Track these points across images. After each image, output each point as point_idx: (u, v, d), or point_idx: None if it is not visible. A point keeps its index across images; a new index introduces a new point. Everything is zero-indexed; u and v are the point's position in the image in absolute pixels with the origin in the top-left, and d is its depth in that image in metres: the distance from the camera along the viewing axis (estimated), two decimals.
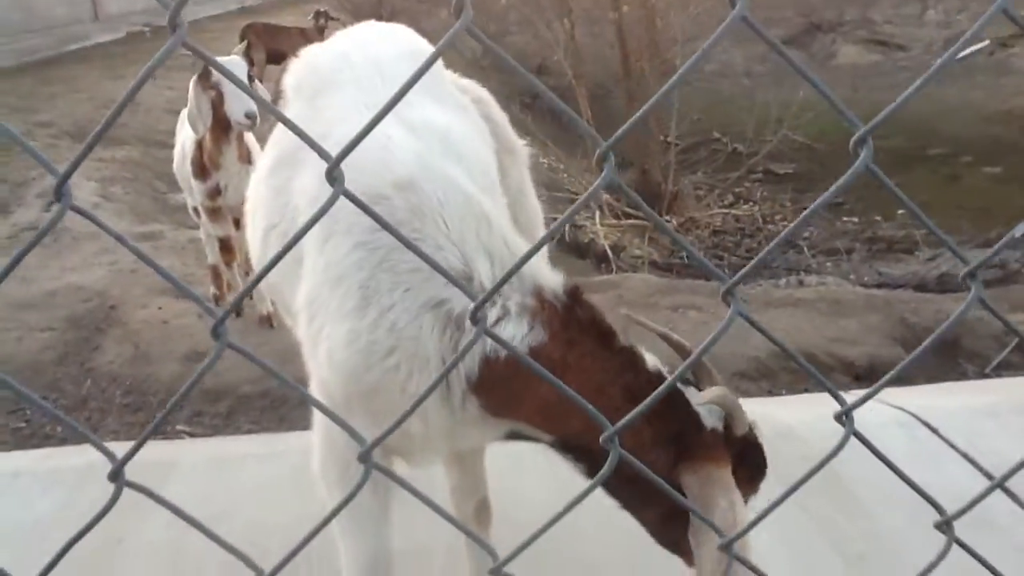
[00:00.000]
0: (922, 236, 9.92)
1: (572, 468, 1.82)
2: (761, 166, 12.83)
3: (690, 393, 1.76)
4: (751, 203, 12.30)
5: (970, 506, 1.03)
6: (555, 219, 8.79)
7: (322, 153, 0.90)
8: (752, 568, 1.27)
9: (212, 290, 5.85)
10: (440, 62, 2.41)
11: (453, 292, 1.70)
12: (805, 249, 10.33)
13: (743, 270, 1.01)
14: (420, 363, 1.72)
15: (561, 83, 12.85)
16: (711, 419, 1.74)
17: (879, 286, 7.75)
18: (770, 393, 4.31)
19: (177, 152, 5.67)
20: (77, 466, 3.38)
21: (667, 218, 11.26)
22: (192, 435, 4.45)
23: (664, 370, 1.76)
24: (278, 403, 4.68)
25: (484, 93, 2.61)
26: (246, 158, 5.16)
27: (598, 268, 9.60)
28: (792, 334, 4.88)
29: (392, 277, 1.73)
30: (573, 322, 1.72)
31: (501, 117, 2.64)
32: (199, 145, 5.24)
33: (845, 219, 11.46)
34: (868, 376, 4.54)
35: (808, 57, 18.64)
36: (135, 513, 3.04)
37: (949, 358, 4.79)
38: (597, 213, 10.76)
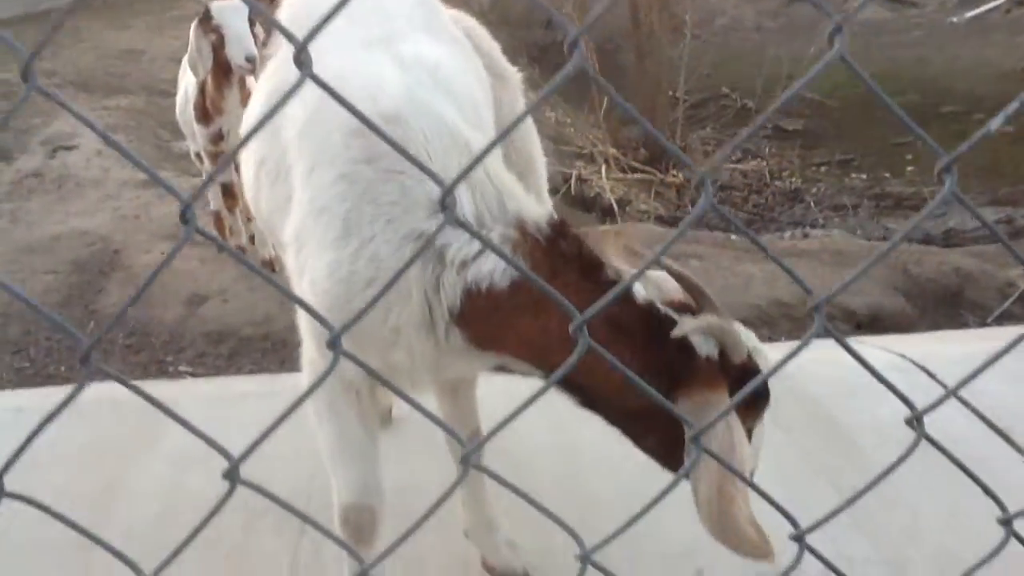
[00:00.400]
0: (930, 193, 9.86)
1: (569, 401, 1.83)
2: (770, 122, 12.73)
3: (683, 322, 1.75)
4: (759, 159, 12.21)
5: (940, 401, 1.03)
6: (561, 173, 8.73)
7: (290, 37, 0.89)
8: (751, 485, 1.28)
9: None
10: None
11: (436, 224, 1.68)
12: (812, 204, 10.27)
13: (719, 154, 0.99)
14: (401, 295, 1.72)
15: None
16: (706, 347, 1.71)
17: (885, 240, 7.73)
18: (770, 340, 4.31)
19: (180, 98, 5.66)
20: (78, 401, 3.41)
21: (674, 173, 11.19)
22: (195, 375, 4.49)
23: (659, 304, 1.75)
24: (279, 345, 4.71)
25: (472, 22, 2.59)
26: (248, 102, 5.13)
27: (603, 222, 9.57)
28: (793, 283, 4.85)
29: (374, 209, 1.72)
30: (556, 254, 1.70)
31: (491, 46, 2.61)
32: (201, 90, 5.23)
33: (853, 175, 11.38)
34: (870, 325, 4.55)
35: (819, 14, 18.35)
36: (134, 456, 3.09)
37: (951, 309, 4.78)
38: (603, 167, 10.71)
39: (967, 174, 10.49)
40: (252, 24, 4.94)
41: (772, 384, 2.98)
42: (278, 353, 4.68)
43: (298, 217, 1.85)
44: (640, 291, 1.74)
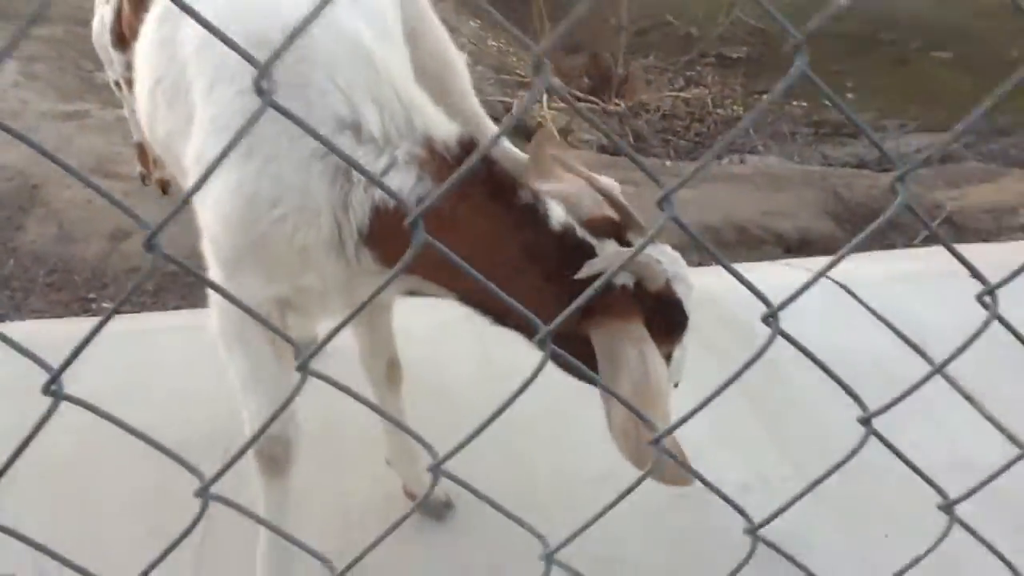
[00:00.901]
0: (868, 120, 9.93)
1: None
2: (713, 50, 12.66)
3: (602, 249, 1.72)
4: (702, 87, 12.16)
5: (892, 404, 1.02)
6: (503, 103, 8.59)
7: (250, 59, 0.82)
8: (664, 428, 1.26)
9: (139, 168, 5.68)
10: None
11: (343, 140, 1.62)
12: (751, 131, 10.28)
13: (681, 180, 0.94)
14: (309, 215, 1.67)
15: None
16: (621, 277, 1.70)
17: (821, 167, 7.78)
18: (699, 264, 4.32)
19: (96, 23, 5.42)
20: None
21: (616, 102, 11.11)
22: (119, 313, 4.38)
23: (576, 227, 1.71)
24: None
25: None
26: None
27: None
28: (727, 208, 4.87)
29: (276, 127, 1.63)
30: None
31: None
32: (118, 14, 5.01)
33: (793, 103, 11.42)
34: (799, 248, 4.58)
35: None
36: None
37: (879, 231, 4.83)
38: (544, 96, 10.59)
39: (906, 101, 10.58)
40: None
41: (703, 311, 2.98)
42: (204, 288, 4.58)
43: (199, 137, 1.77)
44: (558, 215, 1.70)
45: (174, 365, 3.18)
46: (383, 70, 1.70)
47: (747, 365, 0.96)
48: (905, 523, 2.45)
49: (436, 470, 1.02)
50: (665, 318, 1.74)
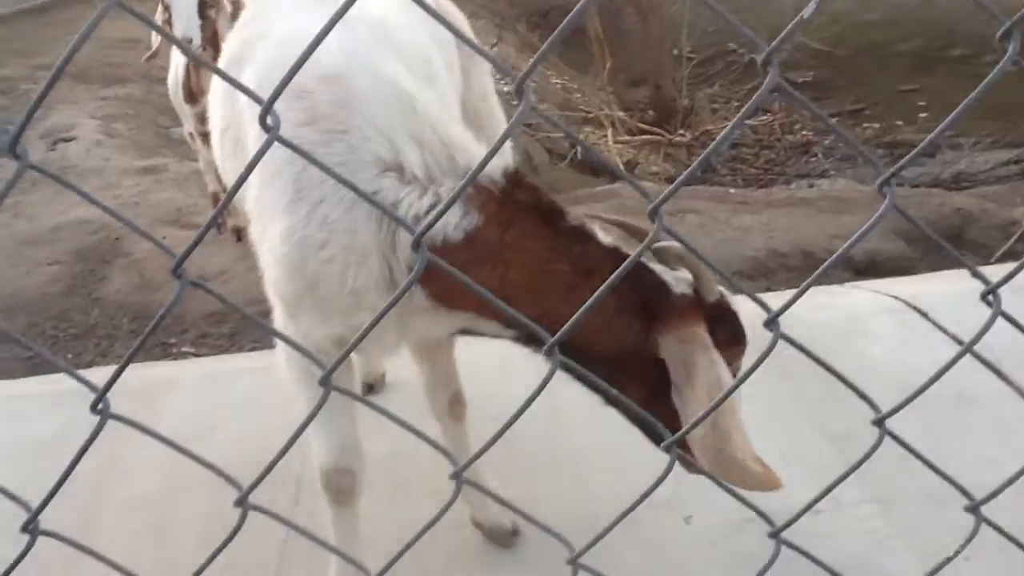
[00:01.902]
0: (945, 140, 9.70)
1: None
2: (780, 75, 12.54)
3: (654, 265, 1.74)
4: (769, 114, 12.07)
5: (905, 403, 1.03)
6: (568, 139, 8.64)
7: (254, 97, 0.88)
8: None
9: None
10: None
11: (385, 182, 1.67)
12: (821, 156, 10.15)
13: (667, 193, 0.98)
14: (357, 256, 1.71)
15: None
16: (679, 287, 1.73)
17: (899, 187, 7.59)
18: (768, 290, 4.28)
19: (171, 79, 5.66)
20: (78, 389, 3.44)
21: (682, 132, 11.09)
22: (197, 355, 4.52)
23: (622, 246, 1.74)
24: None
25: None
26: None
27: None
28: (793, 233, 4.82)
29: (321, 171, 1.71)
30: (510, 204, 1.69)
31: (460, 18, 2.59)
32: (188, 70, 5.23)
33: (865, 125, 11.23)
34: (868, 271, 4.50)
35: None
36: (133, 432, 3.10)
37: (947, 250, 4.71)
38: (610, 130, 10.63)
39: (982, 116, 10.32)
40: (203, 5, 4.94)
41: (766, 332, 2.96)
42: None
43: (255, 184, 1.84)
44: (603, 235, 1.74)
45: (248, 404, 3.27)
46: (423, 111, 1.74)
47: (755, 366, 0.97)
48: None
49: (459, 478, 1.05)
50: (725, 329, 1.76)
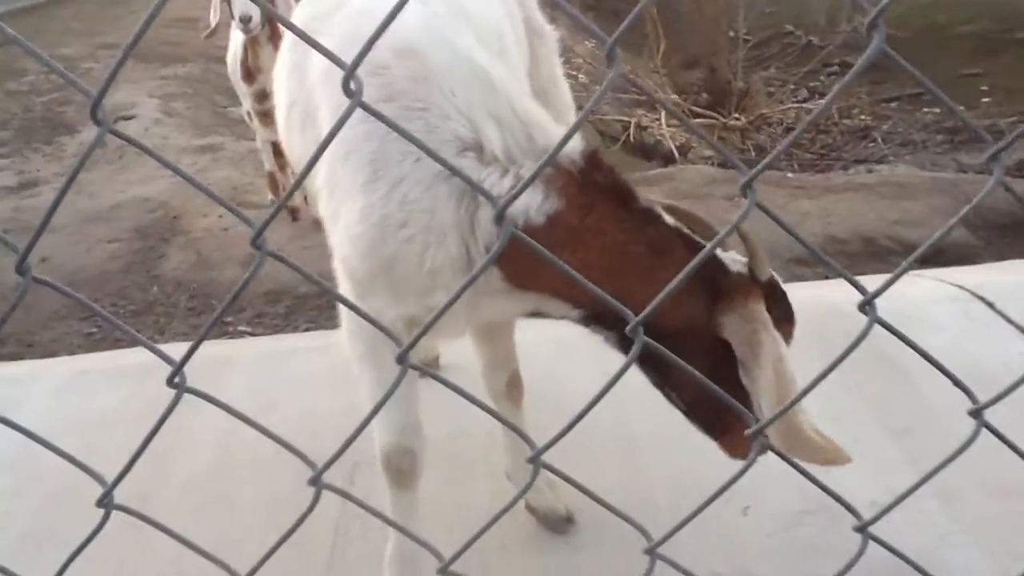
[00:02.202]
0: (1007, 125, 9.43)
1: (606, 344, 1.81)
2: (836, 58, 12.29)
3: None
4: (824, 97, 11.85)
5: (1004, 394, 0.99)
6: (620, 121, 8.58)
7: (337, 61, 0.86)
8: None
9: (270, 196, 5.94)
10: None
11: (466, 161, 1.65)
12: (880, 141, 9.93)
13: (762, 164, 0.95)
14: (436, 236, 1.70)
15: None
16: (736, 266, 1.74)
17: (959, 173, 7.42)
18: (825, 278, 4.21)
19: (230, 58, 5.69)
20: (140, 364, 3.52)
21: (736, 116, 10.93)
22: (253, 335, 4.58)
23: (683, 227, 1.74)
24: (334, 302, 4.76)
25: None
26: None
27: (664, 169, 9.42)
28: (852, 219, 4.73)
29: (401, 147, 1.68)
30: (589, 186, 1.67)
31: (530, 2, 2.56)
32: (245, 48, 5.27)
33: (926, 110, 10.95)
34: (931, 258, 4.39)
35: None
36: (192, 408, 3.15)
37: (1017, 239, 4.60)
38: (663, 113, 10.51)
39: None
40: None
41: (827, 320, 2.93)
42: (333, 309, 4.73)
43: (327, 162, 1.82)
44: (667, 216, 1.74)
45: (304, 384, 3.31)
46: (500, 88, 1.71)
47: (848, 351, 0.95)
48: None
49: (536, 461, 1.04)
50: (779, 308, 1.75)
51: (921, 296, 3.37)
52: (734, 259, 1.75)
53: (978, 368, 2.85)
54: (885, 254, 4.45)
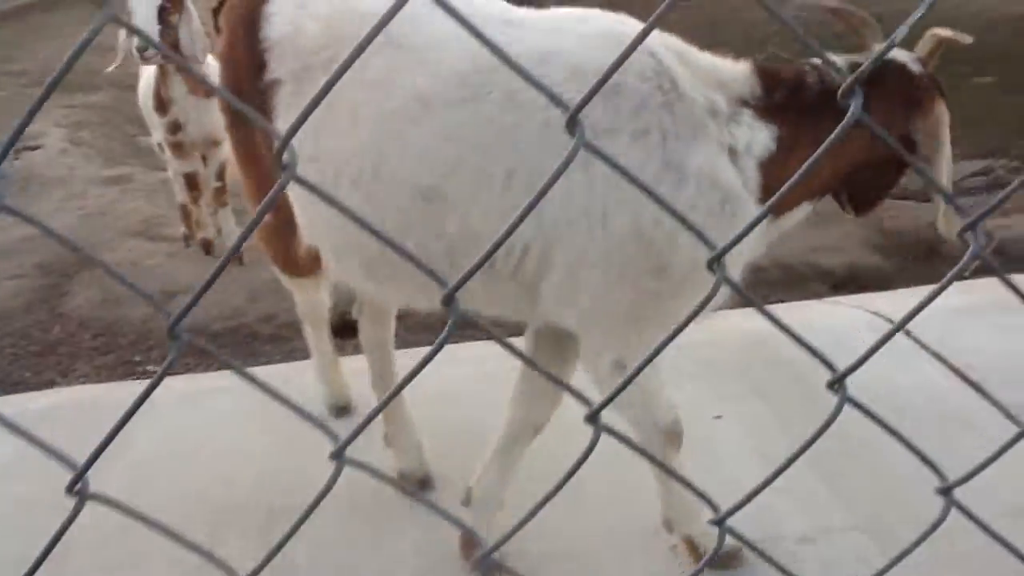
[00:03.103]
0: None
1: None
2: None
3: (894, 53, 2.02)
4: None
5: (975, 472, 0.97)
6: None
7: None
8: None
9: (183, 230, 5.75)
10: None
11: (712, 127, 1.95)
12: None
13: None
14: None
15: None
16: (915, 66, 2.03)
17: None
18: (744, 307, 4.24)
19: (141, 88, 5.55)
20: (38, 409, 3.34)
21: None
22: (169, 374, 4.40)
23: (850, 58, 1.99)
24: (249, 339, 4.63)
25: None
26: (200, 91, 5.01)
27: None
28: (773, 246, 4.77)
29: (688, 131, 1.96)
30: (794, 101, 2.00)
31: None
32: (157, 79, 5.13)
33: None
34: (846, 285, 4.47)
35: None
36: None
37: (929, 264, 4.71)
38: None
39: (953, 128, 10.16)
40: (164, 11, 4.81)
41: (751, 351, 2.93)
42: (249, 346, 4.60)
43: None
44: (839, 60, 1.98)
45: (220, 425, 3.18)
46: (693, 60, 2.02)
47: (816, 436, 0.91)
48: None
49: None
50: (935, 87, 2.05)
51: (842, 325, 3.40)
52: (913, 58, 2.02)
53: (903, 399, 2.90)
54: (803, 281, 4.51)
